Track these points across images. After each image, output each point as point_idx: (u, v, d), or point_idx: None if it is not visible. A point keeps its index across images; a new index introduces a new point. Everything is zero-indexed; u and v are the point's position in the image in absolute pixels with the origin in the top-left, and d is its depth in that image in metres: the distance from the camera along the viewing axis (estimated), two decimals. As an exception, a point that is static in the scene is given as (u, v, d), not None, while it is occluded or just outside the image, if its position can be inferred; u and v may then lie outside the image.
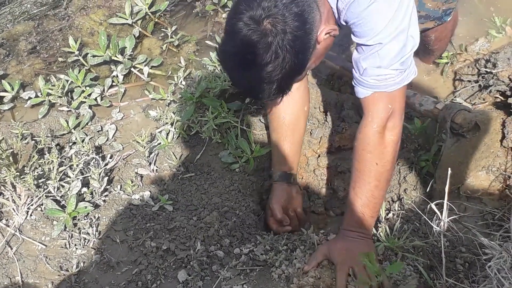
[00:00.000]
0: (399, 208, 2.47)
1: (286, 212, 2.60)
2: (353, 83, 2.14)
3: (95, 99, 3.11)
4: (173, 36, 3.45)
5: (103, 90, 3.18)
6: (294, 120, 2.57)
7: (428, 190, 2.54)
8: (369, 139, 2.11)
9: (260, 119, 2.87)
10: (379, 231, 2.24)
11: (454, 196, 2.48)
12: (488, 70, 2.73)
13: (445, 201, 2.10)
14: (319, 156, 2.85)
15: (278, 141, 2.62)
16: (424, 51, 3.08)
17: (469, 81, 2.87)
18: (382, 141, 2.11)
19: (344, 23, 2.07)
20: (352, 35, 2.05)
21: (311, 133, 2.86)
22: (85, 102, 3.09)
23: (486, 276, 1.92)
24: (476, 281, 2.01)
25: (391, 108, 2.08)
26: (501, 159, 2.52)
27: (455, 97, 2.86)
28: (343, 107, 2.95)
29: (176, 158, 2.78)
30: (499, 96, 2.68)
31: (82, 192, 2.60)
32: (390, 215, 2.44)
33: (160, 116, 2.96)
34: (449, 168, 2.20)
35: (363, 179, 2.15)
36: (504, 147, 2.53)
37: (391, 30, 1.92)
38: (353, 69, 2.11)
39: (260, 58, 1.80)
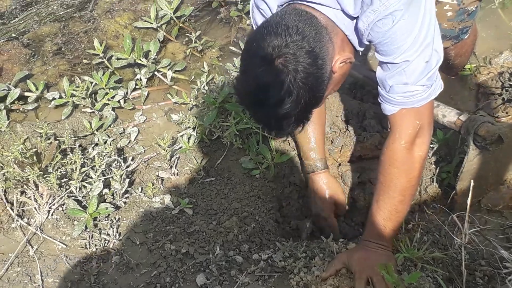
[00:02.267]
0: (420, 219, 2.46)
1: (329, 202, 2.64)
2: (379, 100, 2.12)
3: (118, 102, 3.14)
4: (197, 41, 3.47)
5: (127, 92, 3.20)
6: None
7: (448, 202, 2.53)
8: (396, 155, 2.09)
9: (281, 126, 2.87)
10: (399, 242, 2.23)
11: (475, 209, 2.47)
12: (512, 83, 2.73)
13: (467, 213, 2.10)
14: (339, 164, 2.85)
15: (305, 135, 2.63)
16: (446, 66, 3.07)
17: (492, 94, 2.86)
18: (410, 157, 2.08)
19: (367, 43, 2.05)
20: (376, 54, 2.03)
21: (332, 142, 2.86)
22: (108, 104, 3.12)
23: (506, 289, 1.91)
24: (496, 295, 2.00)
25: (419, 124, 2.05)
26: (523, 172, 2.51)
27: (478, 109, 2.85)
28: (365, 116, 2.95)
29: (197, 162, 2.79)
30: (523, 110, 2.68)
31: (103, 193, 2.62)
32: (410, 225, 2.43)
33: (182, 120, 2.98)
34: (472, 181, 2.20)
35: (388, 193, 2.13)
36: (527, 160, 2.52)
37: (416, 47, 1.91)
38: (378, 87, 2.10)
39: (273, 97, 1.78)
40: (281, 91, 1.77)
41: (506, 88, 2.78)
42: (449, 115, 2.56)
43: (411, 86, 1.97)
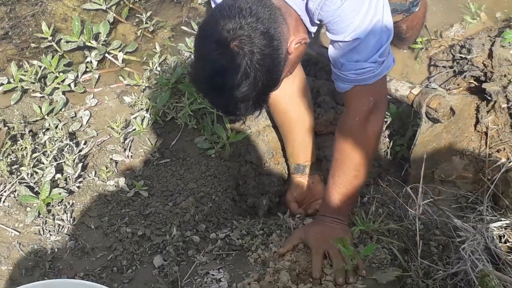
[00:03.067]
0: (374, 192, 2.48)
1: (304, 203, 2.60)
2: (332, 78, 2.13)
3: (69, 85, 3.08)
4: (148, 22, 3.42)
5: (77, 76, 3.14)
6: (300, 112, 2.53)
7: (402, 174, 2.55)
8: (351, 132, 2.10)
9: (236, 105, 2.86)
10: (354, 215, 2.25)
11: (428, 180, 2.51)
12: (463, 56, 2.75)
13: (420, 185, 2.12)
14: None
15: (288, 134, 2.62)
16: (398, 39, 3.09)
17: (443, 66, 2.88)
18: (365, 133, 2.09)
19: (318, 22, 2.05)
20: (327, 33, 2.03)
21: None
22: (58, 88, 3.05)
23: (460, 258, 1.94)
24: (450, 263, 2.03)
25: (372, 100, 2.06)
26: (475, 143, 2.55)
27: (430, 82, 2.88)
28: (319, 93, 2.95)
29: (151, 144, 2.76)
30: (474, 82, 2.70)
31: (56, 178, 2.57)
32: (366, 199, 2.45)
33: (135, 102, 2.94)
34: (425, 153, 2.22)
35: (343, 169, 2.14)
36: (478, 131, 2.56)
37: (366, 25, 1.92)
38: (331, 65, 2.10)
39: (231, 81, 1.77)
40: (238, 74, 1.75)
41: (457, 61, 2.80)
42: (402, 89, 2.59)
43: (363, 63, 1.97)
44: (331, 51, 2.05)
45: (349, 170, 2.13)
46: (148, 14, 3.44)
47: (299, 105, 2.54)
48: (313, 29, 2.10)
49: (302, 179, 2.61)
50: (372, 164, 2.34)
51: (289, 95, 2.46)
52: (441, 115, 2.42)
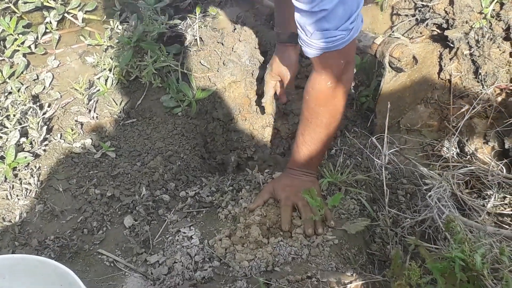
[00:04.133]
0: (342, 144, 2.50)
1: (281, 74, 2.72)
2: (299, 42, 2.01)
3: (29, 47, 3.01)
4: (106, -22, 3.35)
5: (37, 37, 3.07)
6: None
7: (369, 125, 2.57)
8: (323, 95, 2.07)
9: (200, 62, 2.83)
10: (322, 168, 2.26)
11: (394, 130, 2.54)
12: (424, 3, 2.74)
13: (385, 135, 2.14)
14: (261, 97, 2.84)
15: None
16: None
17: (406, 15, 2.87)
18: (337, 95, 2.06)
19: None
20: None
21: (252, 74, 2.85)
22: (18, 50, 2.99)
23: (427, 205, 1.97)
24: (418, 211, 2.07)
25: (343, 63, 2.01)
26: (439, 91, 2.58)
27: (393, 31, 2.87)
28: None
29: (117, 104, 2.73)
30: (436, 29, 2.70)
31: (21, 142, 2.54)
32: (333, 151, 2.47)
33: (98, 62, 2.90)
34: (389, 102, 2.24)
35: (313, 128, 2.13)
36: (442, 79, 2.58)
37: None
38: (298, 29, 1.98)
39: None
40: None
41: (419, 9, 2.79)
42: (364, 39, 2.58)
43: (333, 32, 1.89)
44: (298, 17, 1.93)
45: (319, 129, 2.12)
46: (107, -29, 3.36)
47: None
48: None
49: (291, 50, 2.67)
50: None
51: None
52: (404, 64, 2.42)
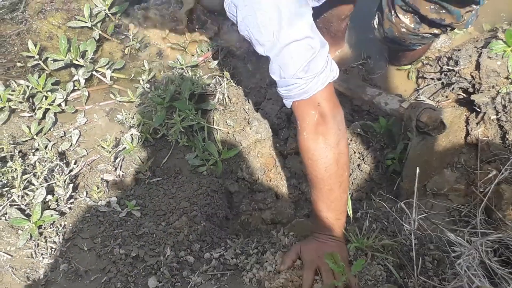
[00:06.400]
0: (367, 207, 2.49)
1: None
2: None
3: (59, 105, 3.06)
4: (134, 38, 3.40)
5: (67, 95, 3.12)
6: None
7: (395, 188, 2.55)
8: (305, 147, 2.06)
9: (226, 121, 2.86)
10: (348, 232, 2.24)
11: (420, 194, 2.51)
12: (450, 67, 2.77)
13: (415, 200, 2.12)
14: (286, 157, 2.85)
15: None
16: (393, 57, 3.11)
17: (432, 78, 2.90)
18: (318, 147, 2.04)
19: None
20: None
21: (277, 134, 2.86)
22: (49, 109, 3.03)
23: (456, 273, 1.94)
24: (447, 279, 2.03)
25: (315, 113, 2.00)
26: (465, 155, 2.56)
27: (418, 95, 2.89)
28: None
29: (142, 163, 2.75)
30: (462, 93, 2.72)
31: (47, 200, 2.55)
32: (359, 214, 2.45)
33: (126, 119, 2.93)
34: (417, 168, 2.22)
35: (315, 185, 2.12)
36: (469, 143, 2.57)
37: (272, 45, 1.89)
38: None
39: None
40: None
41: (445, 73, 2.82)
42: (392, 103, 2.59)
43: (289, 80, 1.94)
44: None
45: (320, 186, 2.10)
46: (135, 30, 3.42)
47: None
48: None
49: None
50: (347, 176, 2.25)
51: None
52: (432, 129, 2.42)
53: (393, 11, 2.57)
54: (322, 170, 2.06)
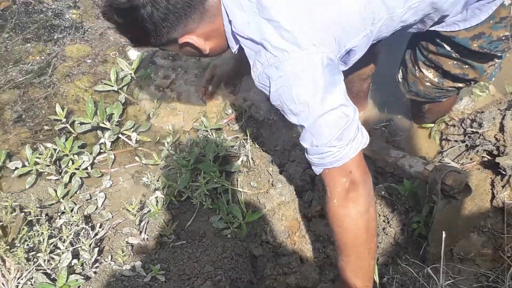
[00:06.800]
0: (394, 272, 2.46)
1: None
2: None
3: (86, 169, 3.11)
4: (160, 101, 3.46)
5: (93, 158, 3.17)
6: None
7: (421, 253, 2.53)
8: (334, 215, 2.04)
9: (250, 183, 2.87)
10: (375, 298, 2.22)
11: (447, 258, 2.49)
12: (474, 130, 2.77)
13: (441, 265, 2.10)
14: (310, 220, 2.84)
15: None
16: (416, 115, 3.12)
17: (455, 141, 2.90)
18: (348, 215, 2.01)
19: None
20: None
21: (301, 197, 2.86)
22: (75, 173, 3.08)
23: None
24: None
25: (346, 181, 1.98)
26: (492, 219, 2.54)
27: (442, 157, 2.89)
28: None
29: (167, 225, 2.76)
30: (486, 156, 2.71)
31: (72, 264, 2.57)
32: (385, 279, 2.43)
33: (151, 181, 2.95)
34: (443, 232, 2.21)
35: (343, 252, 2.10)
36: (495, 207, 2.55)
37: (313, 113, 1.88)
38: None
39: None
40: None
41: (469, 135, 2.82)
42: (416, 165, 2.59)
43: (322, 148, 1.93)
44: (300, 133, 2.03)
45: (349, 253, 2.08)
46: (160, 94, 3.48)
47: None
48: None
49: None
50: (375, 242, 2.24)
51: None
52: (457, 192, 2.41)
53: (416, 66, 2.60)
54: (351, 238, 2.04)
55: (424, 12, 2.11)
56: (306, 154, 2.04)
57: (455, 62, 2.45)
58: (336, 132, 1.89)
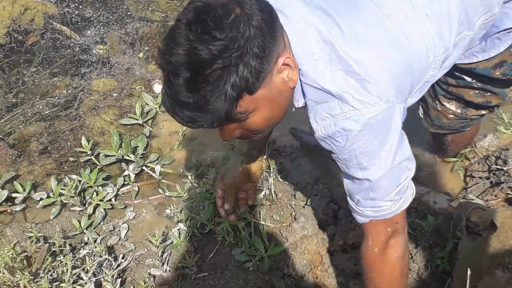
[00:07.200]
0: (418, 309, 2.45)
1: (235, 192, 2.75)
2: (349, 208, 2.02)
3: (110, 200, 3.14)
4: (184, 135, 3.49)
5: (117, 190, 3.21)
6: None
7: (445, 289, 2.52)
8: (372, 262, 2.03)
9: (273, 216, 2.88)
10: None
11: (472, 295, 2.46)
12: (499, 167, 2.76)
13: (467, 303, 2.08)
14: (333, 254, 2.83)
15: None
16: (439, 149, 3.11)
17: (480, 177, 2.89)
18: (387, 261, 2.01)
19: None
20: (332, 154, 1.88)
21: (324, 231, 2.86)
22: (99, 205, 3.11)
23: None
24: None
25: (390, 230, 1.96)
26: (517, 256, 2.52)
27: (467, 193, 2.88)
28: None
29: (189, 257, 2.76)
30: (511, 193, 2.70)
31: (95, 294, 2.58)
32: (410, 316, 2.41)
33: (174, 213, 2.97)
34: (468, 269, 2.19)
35: None
36: (520, 244, 2.53)
37: (378, 168, 1.79)
38: (347, 197, 2.00)
39: None
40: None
41: (493, 172, 2.81)
42: (440, 202, 2.59)
43: (379, 202, 1.88)
44: (346, 183, 1.94)
45: None
46: (184, 128, 3.51)
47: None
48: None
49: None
50: (407, 282, 2.25)
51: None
52: (482, 229, 2.40)
53: (437, 101, 2.59)
54: (387, 283, 2.05)
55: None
56: (353, 205, 1.96)
57: (476, 91, 2.44)
58: (396, 186, 1.85)
